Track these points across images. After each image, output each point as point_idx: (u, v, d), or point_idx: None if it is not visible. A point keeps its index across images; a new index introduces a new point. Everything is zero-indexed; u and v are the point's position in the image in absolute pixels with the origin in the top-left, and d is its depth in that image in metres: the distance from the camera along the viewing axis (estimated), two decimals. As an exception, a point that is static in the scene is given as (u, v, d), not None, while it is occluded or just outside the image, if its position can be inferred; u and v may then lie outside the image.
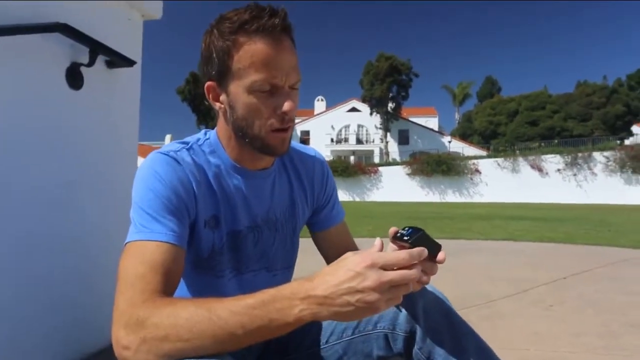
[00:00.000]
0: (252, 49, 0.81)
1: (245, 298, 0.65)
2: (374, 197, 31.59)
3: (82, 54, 1.83)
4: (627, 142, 33.09)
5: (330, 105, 49.12)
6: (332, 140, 45.27)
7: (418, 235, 0.80)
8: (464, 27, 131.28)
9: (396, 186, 31.30)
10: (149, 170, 0.85)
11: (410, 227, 0.84)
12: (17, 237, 1.55)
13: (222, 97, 0.88)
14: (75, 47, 1.80)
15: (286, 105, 0.85)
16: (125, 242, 0.80)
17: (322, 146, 43.20)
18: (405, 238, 0.80)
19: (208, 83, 0.89)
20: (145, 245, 0.77)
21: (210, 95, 0.90)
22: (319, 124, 45.44)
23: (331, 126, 45.67)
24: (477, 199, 29.53)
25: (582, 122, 40.99)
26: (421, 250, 0.67)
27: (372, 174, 32.27)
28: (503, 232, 7.76)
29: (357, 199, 31.28)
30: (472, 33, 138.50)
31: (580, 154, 27.45)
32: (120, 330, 0.66)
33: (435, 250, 0.81)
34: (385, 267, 0.63)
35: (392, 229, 0.85)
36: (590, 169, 27.11)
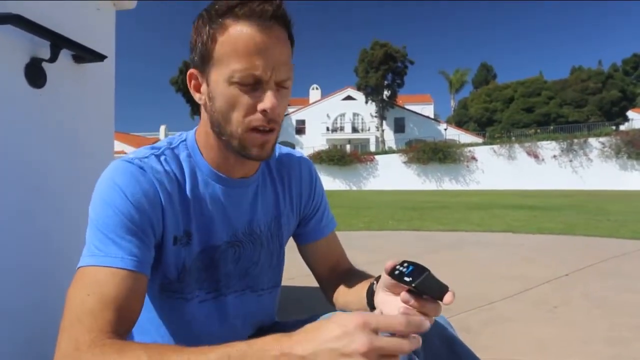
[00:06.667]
0: (237, 33, 0.73)
1: (208, 351, 0.53)
2: (371, 186, 31.53)
3: (44, 49, 1.65)
4: (622, 127, 33.08)
5: (325, 94, 48.70)
6: (327, 129, 44.96)
7: (423, 278, 0.67)
8: (458, 13, 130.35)
9: (393, 174, 31.25)
10: (108, 182, 0.75)
11: (410, 264, 0.71)
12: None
13: (203, 87, 0.80)
14: (35, 41, 1.62)
15: (267, 102, 0.73)
16: (77, 266, 0.69)
17: (317, 135, 43.00)
18: (407, 279, 0.68)
19: (190, 71, 0.81)
20: (97, 272, 0.67)
21: (192, 84, 0.82)
22: (314, 112, 45.07)
23: (327, 115, 45.31)
24: (473, 186, 29.53)
25: (578, 108, 40.82)
26: (421, 322, 0.54)
27: (369, 163, 32.18)
28: (501, 223, 7.66)
29: (354, 188, 31.21)
30: (467, 19, 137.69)
31: (575, 140, 27.47)
32: None
33: (441, 294, 0.69)
34: (376, 331, 0.52)
35: (389, 263, 0.73)
36: (586, 154, 27.15)
